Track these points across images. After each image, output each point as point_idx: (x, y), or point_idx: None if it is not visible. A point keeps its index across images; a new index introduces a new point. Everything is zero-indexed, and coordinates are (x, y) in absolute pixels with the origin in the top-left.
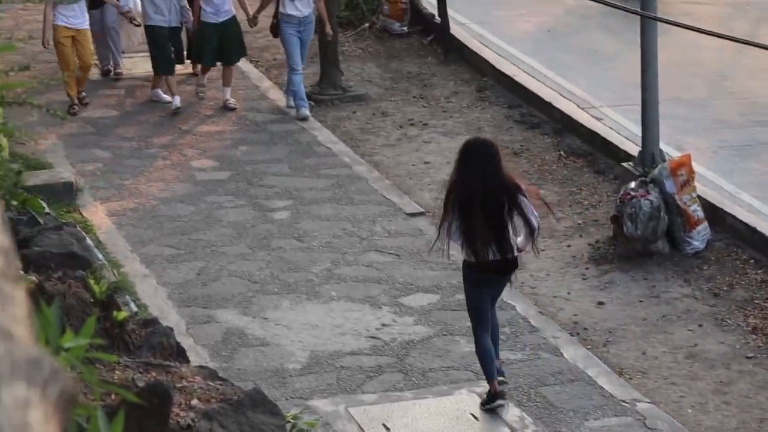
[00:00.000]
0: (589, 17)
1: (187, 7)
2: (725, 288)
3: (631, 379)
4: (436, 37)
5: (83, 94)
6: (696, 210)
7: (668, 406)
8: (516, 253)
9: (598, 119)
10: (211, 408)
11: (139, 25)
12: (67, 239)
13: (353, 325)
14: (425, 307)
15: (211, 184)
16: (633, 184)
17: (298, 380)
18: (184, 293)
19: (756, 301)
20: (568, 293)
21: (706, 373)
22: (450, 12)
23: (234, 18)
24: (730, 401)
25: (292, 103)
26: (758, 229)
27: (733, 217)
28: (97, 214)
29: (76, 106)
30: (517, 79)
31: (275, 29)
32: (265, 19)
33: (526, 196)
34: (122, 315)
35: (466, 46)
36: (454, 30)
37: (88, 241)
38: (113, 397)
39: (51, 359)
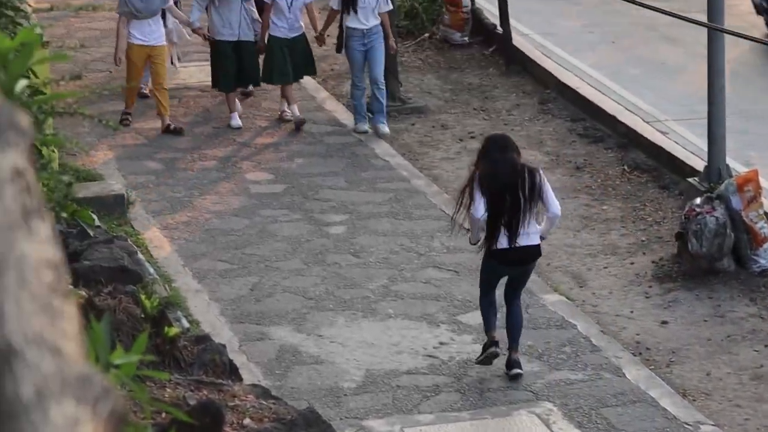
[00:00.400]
0: (654, 28)
1: (259, 20)
2: None
3: (694, 400)
4: (498, 48)
5: (168, 122)
6: (763, 227)
7: (733, 428)
8: (538, 241)
9: (664, 133)
10: (264, 428)
11: (210, 39)
12: (118, 253)
13: (410, 344)
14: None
15: (266, 198)
16: (698, 200)
17: (352, 399)
18: (237, 309)
19: None
20: (631, 312)
21: None
22: (512, 22)
23: (304, 35)
24: None
25: (362, 127)
26: None
27: None
28: (148, 227)
29: (129, 117)
30: (580, 91)
31: (340, 43)
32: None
33: (544, 179)
34: (173, 331)
35: (528, 57)
36: (517, 41)
37: (139, 255)
38: (164, 415)
39: (101, 376)
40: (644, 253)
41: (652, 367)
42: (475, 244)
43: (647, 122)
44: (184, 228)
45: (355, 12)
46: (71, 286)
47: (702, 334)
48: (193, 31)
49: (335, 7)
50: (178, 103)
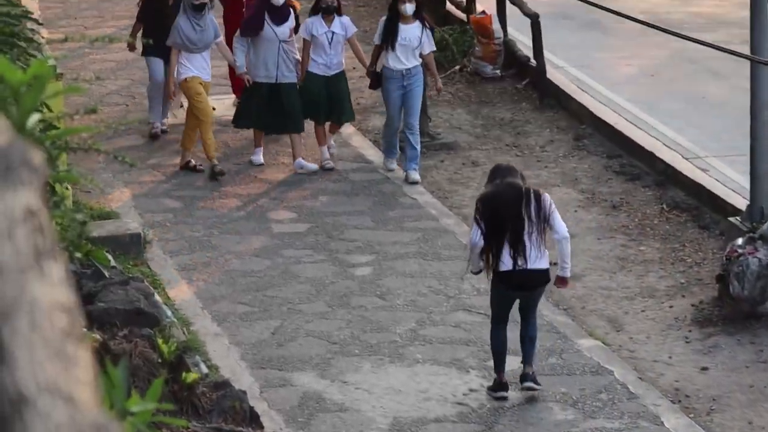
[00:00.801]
0: (695, 61)
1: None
2: None
3: None
4: (531, 82)
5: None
6: None
7: None
8: (546, 265)
9: (704, 170)
10: None
11: (251, 84)
12: (134, 295)
13: (439, 390)
14: (516, 371)
15: (289, 237)
16: (740, 241)
17: None
18: (258, 354)
19: None
20: (670, 357)
21: None
22: (546, 54)
23: (344, 72)
24: None
25: (391, 165)
26: None
27: None
28: (166, 268)
29: (218, 166)
30: (617, 127)
31: (375, 80)
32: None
33: (552, 204)
34: (192, 377)
35: (563, 91)
36: (551, 74)
37: (156, 297)
38: None
39: (116, 425)
40: (683, 296)
41: (692, 415)
42: (476, 273)
43: (687, 159)
44: (203, 269)
45: (393, 49)
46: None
47: (744, 381)
48: (238, 75)
49: (377, 42)
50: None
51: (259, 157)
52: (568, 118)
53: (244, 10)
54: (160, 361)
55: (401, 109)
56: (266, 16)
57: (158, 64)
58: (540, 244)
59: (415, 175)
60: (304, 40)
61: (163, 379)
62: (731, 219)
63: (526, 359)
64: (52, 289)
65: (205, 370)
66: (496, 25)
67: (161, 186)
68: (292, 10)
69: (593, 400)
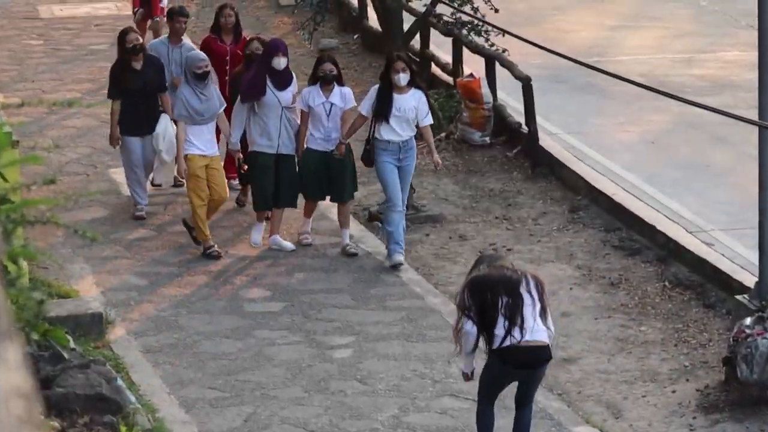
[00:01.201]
0: (698, 127)
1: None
2: None
3: None
4: (523, 149)
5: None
6: None
7: None
8: (547, 339)
9: (709, 245)
10: None
11: (245, 172)
12: (95, 379)
13: None
14: None
15: (262, 317)
16: (748, 321)
17: None
18: None
19: None
20: None
21: None
22: (539, 120)
23: (347, 146)
24: None
25: (399, 258)
26: None
27: None
28: (130, 350)
29: (215, 248)
30: (615, 198)
31: (368, 157)
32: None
33: (540, 282)
34: None
35: (557, 159)
36: (544, 141)
37: (119, 381)
38: None
39: None
40: (688, 380)
41: None
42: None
43: (690, 232)
44: (170, 351)
45: (388, 122)
46: (43, 417)
47: None
48: (230, 151)
49: (364, 113)
50: (163, 210)
51: (258, 238)
52: (562, 188)
53: (227, 68)
54: None
55: (399, 186)
56: (268, 81)
57: (136, 144)
58: (537, 317)
59: (399, 257)
60: (302, 111)
61: None
62: (738, 297)
63: None
64: (8, 373)
65: None
66: (484, 89)
67: (125, 262)
68: (294, 75)
69: None
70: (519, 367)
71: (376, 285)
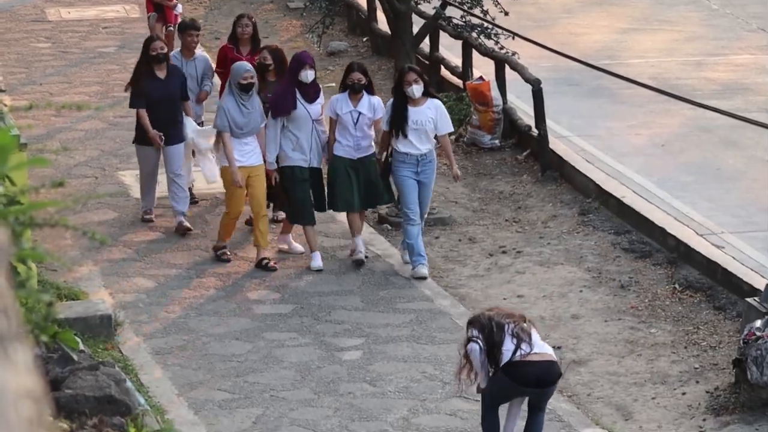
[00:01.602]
0: (709, 130)
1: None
2: None
3: None
4: (533, 152)
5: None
6: None
7: None
8: (555, 356)
9: (719, 247)
10: None
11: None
12: (104, 381)
13: None
14: None
15: (272, 319)
16: (759, 323)
17: None
18: None
19: None
20: None
21: None
22: (549, 123)
23: (374, 155)
24: None
25: (407, 257)
26: None
27: None
28: (138, 351)
29: (226, 251)
30: (625, 201)
31: (386, 170)
32: None
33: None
34: None
35: (567, 162)
36: (554, 144)
37: (128, 383)
38: None
39: None
40: (697, 382)
41: None
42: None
43: (701, 235)
44: (179, 353)
45: (405, 136)
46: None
47: None
48: (269, 171)
49: (385, 128)
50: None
51: (319, 262)
52: (572, 191)
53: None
54: None
55: (418, 199)
56: (297, 94)
57: (150, 152)
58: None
59: (424, 270)
60: (330, 119)
61: None
62: (749, 299)
63: None
64: (18, 375)
65: None
66: (494, 92)
67: (134, 264)
68: (321, 87)
69: None
70: (528, 386)
71: (385, 287)
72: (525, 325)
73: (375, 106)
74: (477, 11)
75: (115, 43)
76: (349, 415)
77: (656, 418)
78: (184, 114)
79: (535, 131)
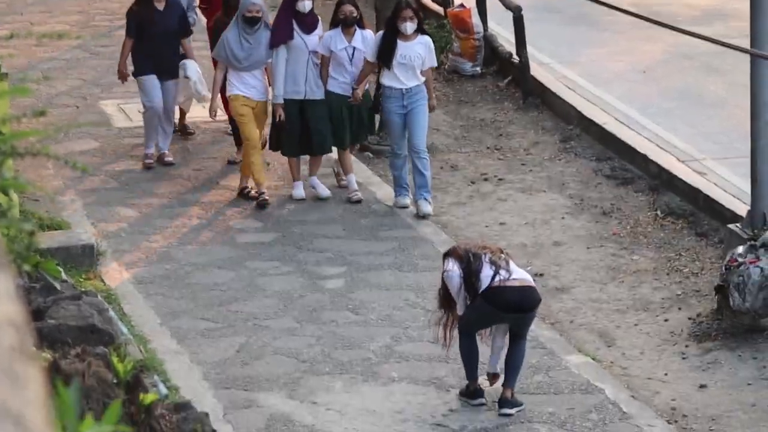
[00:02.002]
0: (691, 57)
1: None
2: None
3: None
4: (514, 79)
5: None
6: None
7: None
8: (533, 282)
9: (701, 174)
10: None
11: (283, 121)
12: (87, 310)
13: (416, 411)
14: (499, 389)
15: (254, 248)
16: (741, 249)
17: None
18: (222, 373)
19: None
20: (665, 374)
21: None
22: (530, 50)
23: (368, 92)
24: None
25: (404, 201)
26: None
27: None
28: (121, 281)
29: (265, 196)
30: (607, 127)
31: (377, 103)
32: None
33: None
34: (150, 398)
35: (548, 89)
36: (535, 71)
37: (111, 312)
38: None
39: None
40: (680, 309)
41: None
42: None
43: (682, 161)
44: (162, 282)
45: (390, 68)
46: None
47: (745, 399)
48: (275, 105)
49: (370, 60)
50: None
51: (301, 191)
52: (554, 118)
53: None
54: (115, 381)
55: (405, 132)
56: (294, 24)
57: (154, 84)
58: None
59: (428, 207)
60: (323, 56)
61: (120, 401)
62: (731, 226)
63: (508, 382)
64: (0, 305)
65: (164, 390)
66: (475, 19)
67: (116, 194)
68: (319, 18)
69: (582, 421)
70: (508, 311)
71: (367, 215)
72: (502, 255)
73: (367, 39)
74: None
75: None
76: (332, 343)
77: (639, 344)
78: (185, 54)
79: (516, 58)
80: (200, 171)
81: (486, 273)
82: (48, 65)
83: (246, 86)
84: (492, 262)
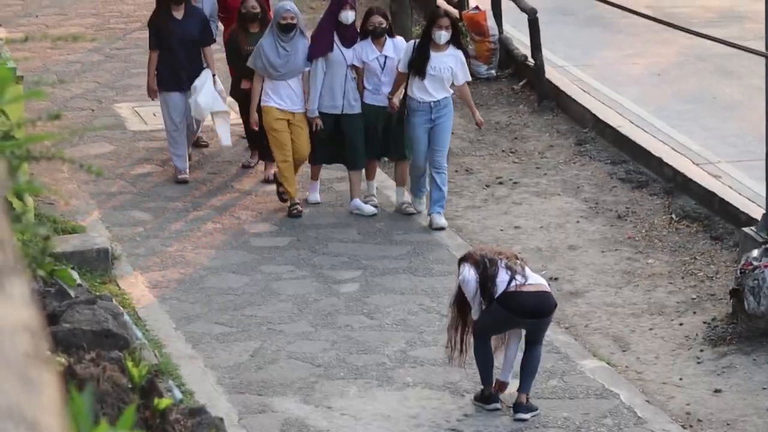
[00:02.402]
0: (706, 59)
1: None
2: None
3: None
4: (529, 82)
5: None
6: None
7: None
8: (548, 287)
9: (716, 177)
10: None
11: (319, 131)
12: (102, 315)
13: (431, 416)
14: (514, 394)
15: (269, 252)
16: (756, 253)
17: None
18: (236, 378)
19: None
20: (680, 379)
21: None
22: (545, 53)
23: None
24: None
25: (418, 206)
26: None
27: None
28: (136, 285)
29: (298, 206)
30: (622, 130)
31: (402, 111)
32: None
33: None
34: (165, 403)
35: (563, 92)
36: (550, 74)
37: (126, 317)
38: None
39: None
40: (695, 313)
41: None
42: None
43: (697, 164)
44: (176, 286)
45: (422, 78)
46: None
47: (761, 404)
48: (310, 118)
49: (402, 69)
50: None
51: (316, 196)
52: (569, 121)
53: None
54: (130, 386)
55: (428, 148)
56: (335, 36)
57: (175, 102)
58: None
59: (441, 220)
60: (356, 67)
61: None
62: (746, 229)
63: (522, 387)
64: (15, 309)
65: (179, 395)
66: (490, 22)
67: (130, 197)
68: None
69: (597, 426)
70: (524, 316)
71: (381, 219)
72: (517, 260)
73: (398, 46)
74: None
75: None
76: (347, 348)
77: (654, 349)
78: (205, 64)
79: (531, 61)
80: (215, 175)
81: (502, 278)
82: (63, 68)
83: (282, 97)
84: (508, 267)
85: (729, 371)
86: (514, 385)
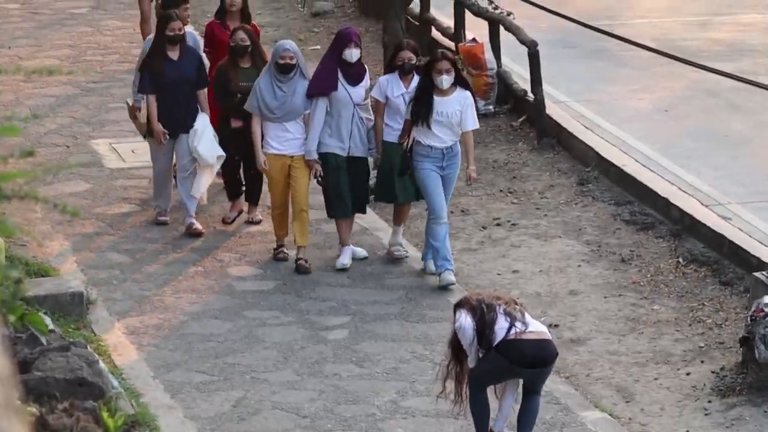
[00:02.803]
0: (715, 94)
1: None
2: None
3: None
4: (529, 119)
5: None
6: None
7: None
8: (549, 334)
9: (726, 219)
10: None
11: (321, 183)
12: (76, 362)
13: None
14: None
15: (253, 296)
16: (767, 299)
17: None
18: (218, 429)
19: None
20: (687, 431)
21: None
22: (546, 87)
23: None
24: None
25: (432, 267)
26: None
27: None
28: (112, 331)
29: (284, 249)
30: (626, 169)
31: (406, 165)
32: None
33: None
34: None
35: (565, 129)
36: (551, 109)
37: (101, 364)
38: None
39: None
40: (702, 362)
41: None
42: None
43: (706, 206)
44: (155, 332)
45: (429, 127)
46: (21, 403)
47: None
48: (308, 162)
49: (408, 117)
50: (147, 184)
51: (347, 260)
52: (570, 159)
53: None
54: None
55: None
56: (339, 75)
57: (163, 147)
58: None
59: (452, 277)
60: (377, 102)
61: None
62: (756, 274)
63: None
64: None
65: None
66: (488, 55)
67: (107, 239)
68: (367, 69)
69: None
70: (525, 366)
71: (372, 262)
72: (517, 306)
73: None
74: None
75: (88, 4)
76: (335, 398)
77: (659, 399)
78: (200, 108)
79: (531, 96)
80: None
81: (501, 325)
82: (37, 102)
83: (282, 141)
84: (507, 313)
85: (738, 424)
86: None
